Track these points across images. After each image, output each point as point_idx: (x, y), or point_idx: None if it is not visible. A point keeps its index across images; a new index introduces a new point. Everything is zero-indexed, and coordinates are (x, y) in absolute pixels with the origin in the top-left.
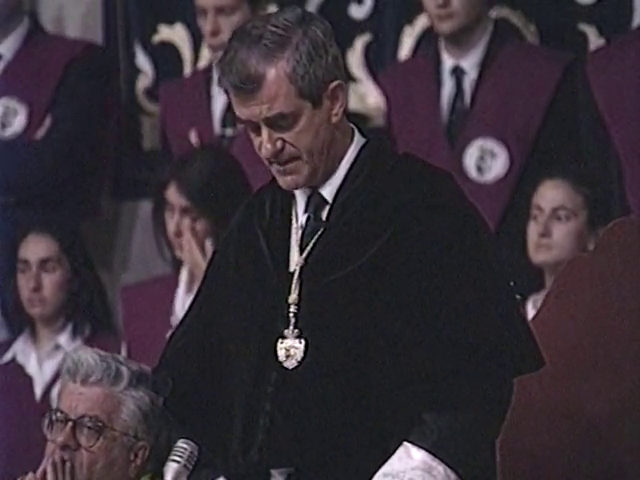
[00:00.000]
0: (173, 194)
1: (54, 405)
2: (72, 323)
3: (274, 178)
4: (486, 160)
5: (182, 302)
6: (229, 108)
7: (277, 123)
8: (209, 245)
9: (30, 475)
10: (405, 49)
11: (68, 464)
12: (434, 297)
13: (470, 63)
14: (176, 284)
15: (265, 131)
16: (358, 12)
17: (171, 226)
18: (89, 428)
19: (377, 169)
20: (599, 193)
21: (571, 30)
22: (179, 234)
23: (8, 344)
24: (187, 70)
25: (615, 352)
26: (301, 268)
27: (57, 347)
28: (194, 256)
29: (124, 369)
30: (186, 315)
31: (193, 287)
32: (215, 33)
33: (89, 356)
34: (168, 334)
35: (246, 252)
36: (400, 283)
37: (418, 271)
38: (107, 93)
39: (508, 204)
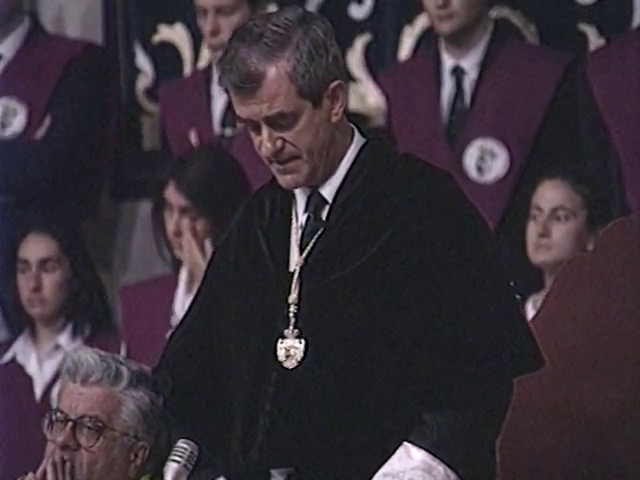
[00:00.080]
0: (172, 194)
1: (54, 405)
2: (72, 323)
3: (274, 178)
4: (486, 160)
5: (182, 302)
6: (229, 108)
7: (277, 122)
8: (208, 245)
9: (30, 475)
10: (405, 49)
11: (68, 464)
12: (434, 297)
13: (470, 63)
14: (176, 284)
15: (265, 130)
16: (358, 12)
17: (170, 226)
18: (89, 428)
19: (377, 169)
20: (599, 193)
21: (571, 30)
22: (178, 234)
23: (8, 344)
24: (187, 70)
25: (615, 352)
26: (301, 268)
27: (57, 347)
28: (194, 256)
29: (124, 369)
30: (186, 315)
31: (193, 287)
32: (215, 33)
33: (89, 356)
34: (168, 334)
35: (246, 252)
36: (400, 283)
37: (418, 271)
38: (107, 93)
39: (508, 204)
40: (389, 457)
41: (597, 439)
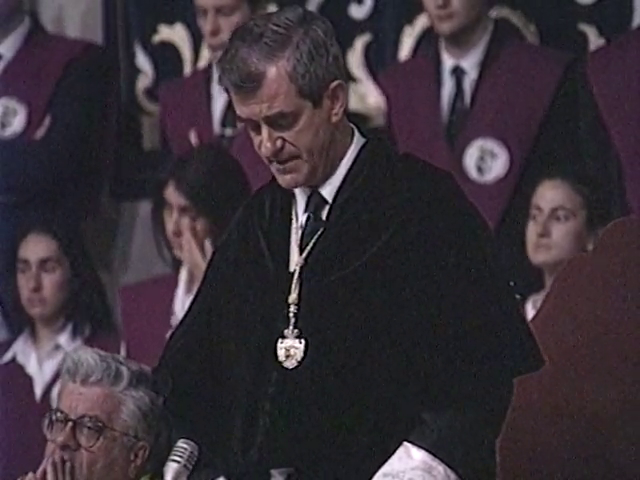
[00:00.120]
0: (172, 193)
1: (54, 405)
2: (72, 323)
3: (274, 178)
4: (486, 160)
5: (182, 302)
6: (229, 108)
7: (277, 122)
8: (208, 245)
9: (30, 475)
10: (405, 49)
11: (68, 464)
12: (434, 297)
13: (470, 63)
14: (176, 284)
15: (265, 130)
16: (358, 12)
17: (170, 225)
18: (89, 428)
19: (377, 169)
20: (598, 193)
21: (571, 30)
22: (178, 233)
23: (8, 344)
24: (187, 70)
25: (615, 352)
26: (301, 268)
27: (57, 347)
28: (193, 256)
29: (124, 369)
30: (186, 315)
31: (193, 287)
32: (215, 33)
33: (89, 356)
34: (168, 334)
35: (246, 252)
36: (400, 283)
37: (418, 271)
38: (107, 93)
39: (508, 204)
40: (389, 457)
41: (597, 439)
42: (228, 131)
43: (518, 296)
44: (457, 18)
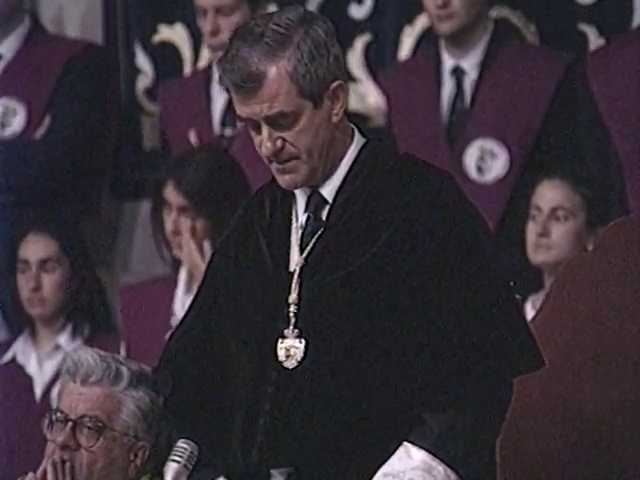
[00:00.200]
0: (171, 193)
1: (54, 405)
2: (72, 323)
3: (274, 178)
4: (486, 160)
5: (181, 302)
6: (229, 108)
7: (277, 122)
8: (207, 245)
9: (30, 475)
10: (405, 49)
11: (68, 464)
12: (434, 297)
13: (470, 63)
14: (175, 284)
15: (265, 130)
16: (358, 12)
17: (169, 225)
18: (89, 428)
19: (377, 169)
20: (598, 193)
21: (571, 30)
22: (177, 233)
23: (8, 344)
24: (187, 70)
25: (615, 352)
26: (301, 268)
27: (57, 347)
28: (192, 256)
29: (124, 369)
30: (186, 315)
31: (192, 287)
32: (215, 33)
33: (89, 356)
34: (167, 334)
35: (246, 252)
36: (400, 283)
37: (418, 271)
38: (107, 93)
39: (508, 204)
40: (389, 457)
41: (597, 439)
42: (228, 131)
43: (518, 296)
44: (457, 18)
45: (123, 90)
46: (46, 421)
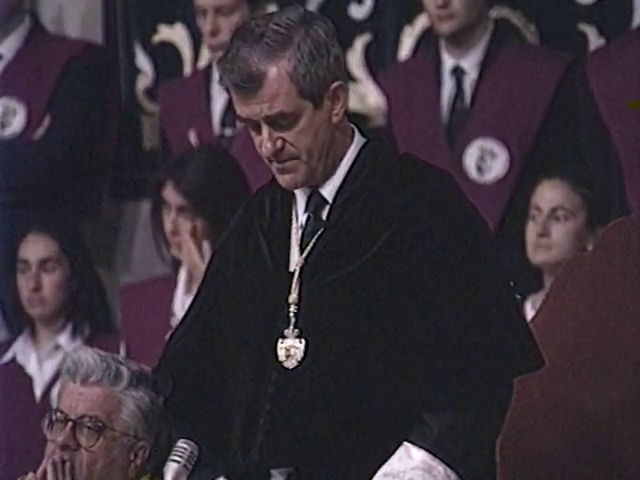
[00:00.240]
0: (170, 193)
1: (54, 405)
2: (72, 323)
3: (274, 178)
4: (486, 160)
5: (181, 302)
6: (229, 108)
7: (277, 122)
8: (206, 246)
9: (30, 475)
10: (405, 49)
11: (68, 464)
12: (434, 297)
13: (470, 63)
14: (175, 284)
15: (265, 130)
16: (358, 12)
17: (168, 225)
18: (89, 428)
19: (377, 169)
20: (598, 193)
21: (571, 30)
22: (175, 233)
23: (8, 344)
24: (187, 70)
25: (615, 352)
26: (301, 268)
27: (57, 347)
28: (192, 257)
29: (124, 369)
30: (186, 315)
31: (192, 287)
32: (214, 33)
33: (89, 356)
34: (167, 334)
35: (246, 252)
36: (400, 283)
37: (418, 271)
38: (107, 93)
39: (508, 204)
40: (389, 457)
41: (597, 439)
42: (228, 131)
43: (518, 296)
44: (457, 18)
45: (123, 90)
46: (46, 421)
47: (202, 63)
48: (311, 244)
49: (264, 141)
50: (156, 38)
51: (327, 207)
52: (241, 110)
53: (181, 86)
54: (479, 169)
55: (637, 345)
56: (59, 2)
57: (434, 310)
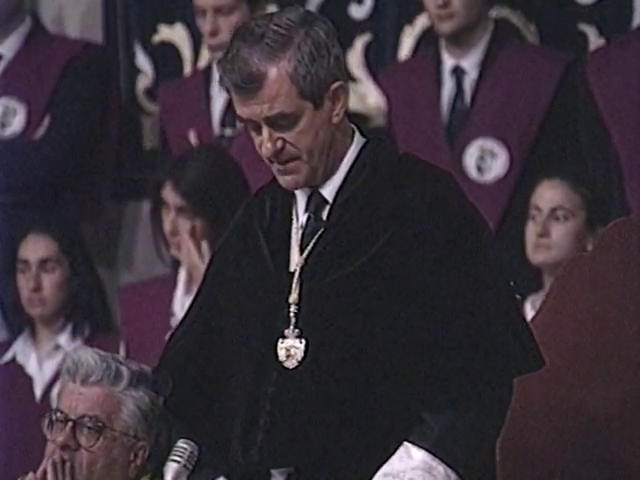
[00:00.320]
0: (169, 193)
1: (54, 405)
2: (72, 323)
3: (274, 178)
4: (486, 160)
5: (181, 302)
6: (228, 108)
7: (278, 123)
8: (206, 246)
9: (30, 475)
10: (405, 49)
11: (68, 464)
12: (434, 297)
13: (470, 63)
14: (175, 284)
15: (266, 130)
16: (358, 12)
17: (167, 225)
18: (89, 428)
19: (377, 169)
20: (598, 193)
21: (571, 30)
22: (175, 233)
23: (8, 344)
24: (187, 70)
25: (615, 352)
26: (301, 268)
27: (57, 347)
28: (191, 257)
29: (124, 369)
30: (186, 315)
31: (192, 287)
32: (214, 33)
33: (89, 356)
34: (167, 334)
35: (246, 252)
36: (400, 283)
37: (418, 271)
38: (107, 93)
39: (508, 204)
40: (389, 457)
41: (597, 439)
42: (228, 131)
43: (518, 296)
44: (457, 18)
45: (123, 90)
46: (46, 421)
47: (202, 63)
48: (311, 244)
49: (264, 142)
50: (156, 38)
51: (327, 207)
52: (241, 110)
53: (181, 86)
54: (479, 169)
55: (637, 345)
56: (59, 2)
57: (434, 310)
